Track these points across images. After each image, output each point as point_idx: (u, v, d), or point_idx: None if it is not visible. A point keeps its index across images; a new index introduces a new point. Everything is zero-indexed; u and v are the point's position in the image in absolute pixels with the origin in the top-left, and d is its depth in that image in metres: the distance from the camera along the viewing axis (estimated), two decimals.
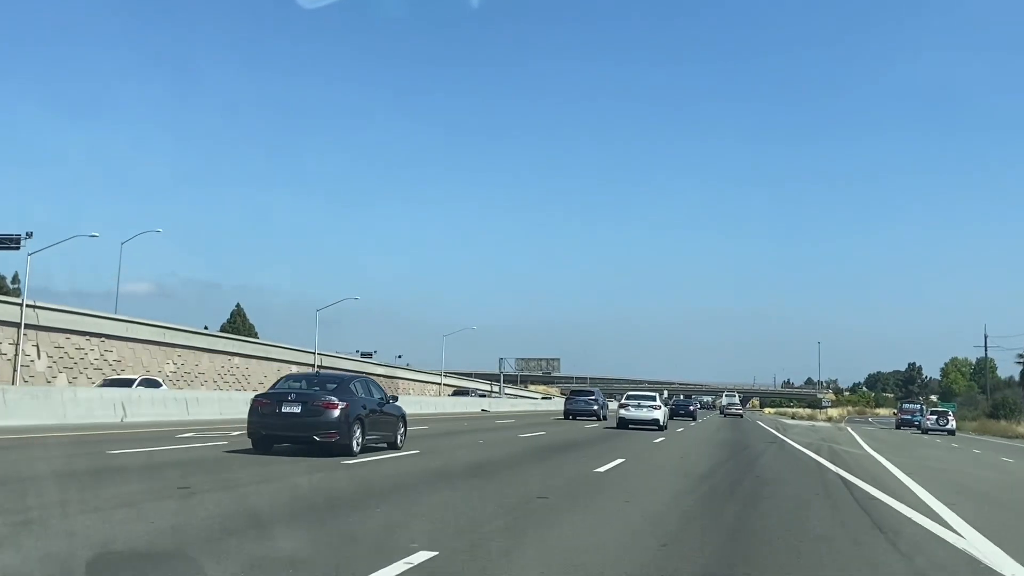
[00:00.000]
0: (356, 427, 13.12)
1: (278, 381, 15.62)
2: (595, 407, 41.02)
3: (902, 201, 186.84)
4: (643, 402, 32.35)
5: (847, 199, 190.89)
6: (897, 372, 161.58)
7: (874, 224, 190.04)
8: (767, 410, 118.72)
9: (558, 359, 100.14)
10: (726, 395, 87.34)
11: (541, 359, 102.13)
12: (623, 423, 31.15)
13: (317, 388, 13.62)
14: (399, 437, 15.07)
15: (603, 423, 36.18)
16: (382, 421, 14.47)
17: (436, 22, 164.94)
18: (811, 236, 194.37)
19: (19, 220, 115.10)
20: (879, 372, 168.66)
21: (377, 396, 14.74)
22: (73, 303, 40.96)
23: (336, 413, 12.83)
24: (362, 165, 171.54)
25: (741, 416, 68.57)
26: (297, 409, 12.91)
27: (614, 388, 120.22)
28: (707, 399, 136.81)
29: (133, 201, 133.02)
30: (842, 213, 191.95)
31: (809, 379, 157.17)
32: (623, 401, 34.08)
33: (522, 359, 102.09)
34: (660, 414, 31.90)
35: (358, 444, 13.13)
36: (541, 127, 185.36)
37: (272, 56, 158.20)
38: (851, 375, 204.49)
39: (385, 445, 14.62)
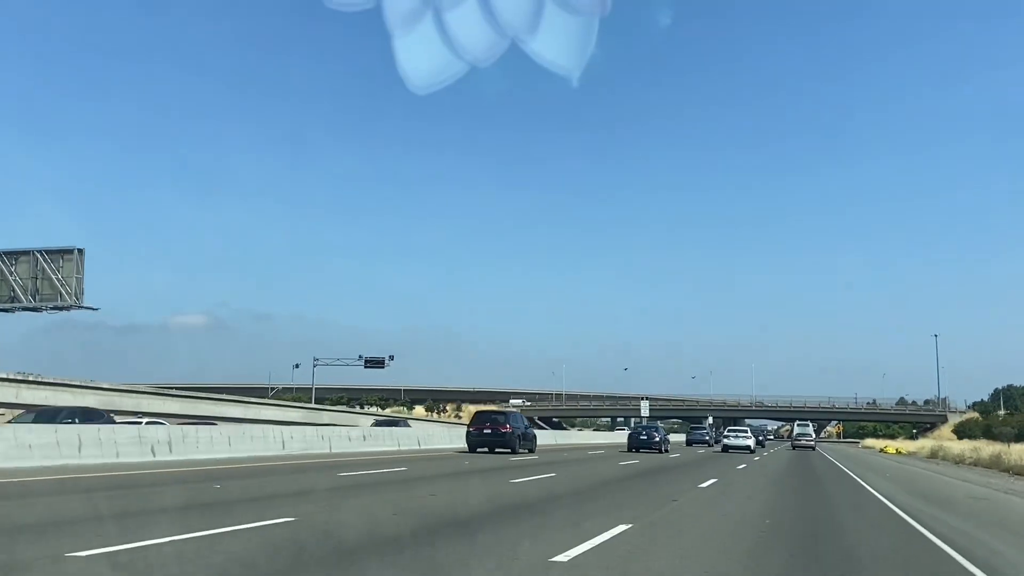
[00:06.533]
0: None
1: None
2: (706, 437, 59.55)
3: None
4: (739, 433, 46.71)
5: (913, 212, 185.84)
6: None
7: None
8: (886, 446, 66.90)
9: None
10: (798, 424, 78.18)
11: None
12: (725, 448, 44.47)
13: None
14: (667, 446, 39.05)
15: (712, 448, 50.89)
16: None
17: (536, 98, 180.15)
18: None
19: (143, 288, 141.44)
20: (1011, 386, 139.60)
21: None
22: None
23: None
24: (464, 231, 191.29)
25: (812, 448, 60.26)
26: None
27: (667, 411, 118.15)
28: (773, 426, 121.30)
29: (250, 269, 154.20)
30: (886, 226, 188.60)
31: (902, 399, 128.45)
32: (725, 432, 49.70)
33: None
34: (751, 442, 45.87)
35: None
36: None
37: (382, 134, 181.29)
38: (962, 391, 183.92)
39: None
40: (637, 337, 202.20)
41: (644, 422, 66.04)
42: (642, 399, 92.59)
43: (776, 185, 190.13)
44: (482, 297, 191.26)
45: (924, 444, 62.01)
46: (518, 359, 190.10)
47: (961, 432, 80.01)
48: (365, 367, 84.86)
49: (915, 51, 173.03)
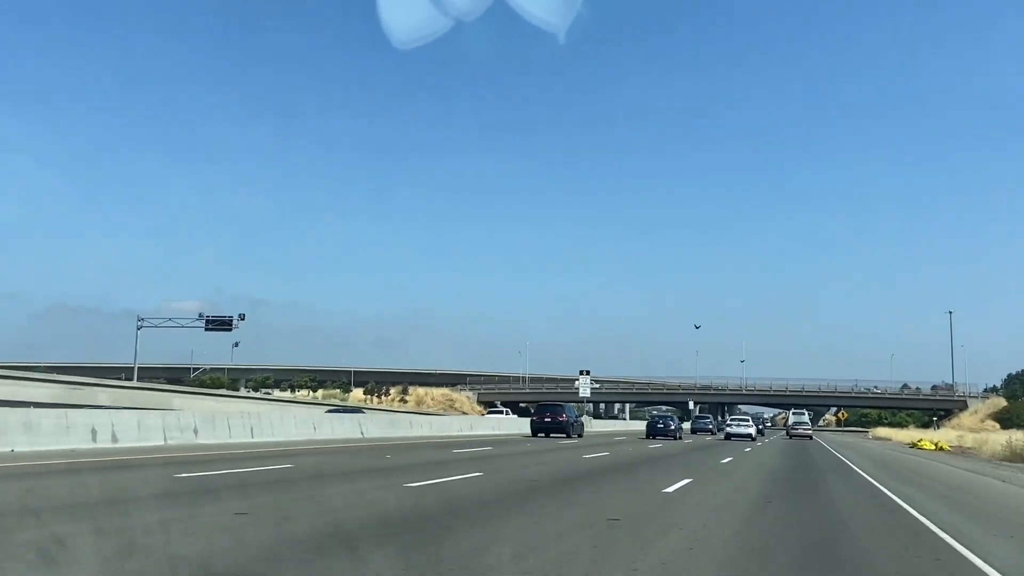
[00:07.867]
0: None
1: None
2: (710, 426, 64.62)
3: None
4: (742, 422, 52.14)
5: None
6: None
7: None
8: (920, 440, 47.20)
9: None
10: (793, 412, 74.25)
11: None
12: (728, 436, 49.32)
13: None
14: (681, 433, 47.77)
15: (715, 436, 56.13)
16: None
17: (520, 58, 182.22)
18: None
19: (130, 255, 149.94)
20: None
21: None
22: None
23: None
24: (445, 195, 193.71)
25: (809, 438, 58.09)
26: None
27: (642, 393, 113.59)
28: (770, 414, 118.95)
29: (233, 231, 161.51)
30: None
31: (905, 384, 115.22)
32: (728, 421, 55.93)
33: None
34: (752, 430, 50.94)
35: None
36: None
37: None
38: (970, 376, 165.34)
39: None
40: (618, 316, 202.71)
41: (604, 405, 67.49)
42: (581, 373, 76.66)
43: (772, 152, 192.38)
44: (461, 278, 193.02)
45: (986, 438, 43.48)
46: (483, 339, 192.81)
47: (1007, 420, 68.69)
48: (206, 329, 74.61)
49: (926, 41, 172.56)
